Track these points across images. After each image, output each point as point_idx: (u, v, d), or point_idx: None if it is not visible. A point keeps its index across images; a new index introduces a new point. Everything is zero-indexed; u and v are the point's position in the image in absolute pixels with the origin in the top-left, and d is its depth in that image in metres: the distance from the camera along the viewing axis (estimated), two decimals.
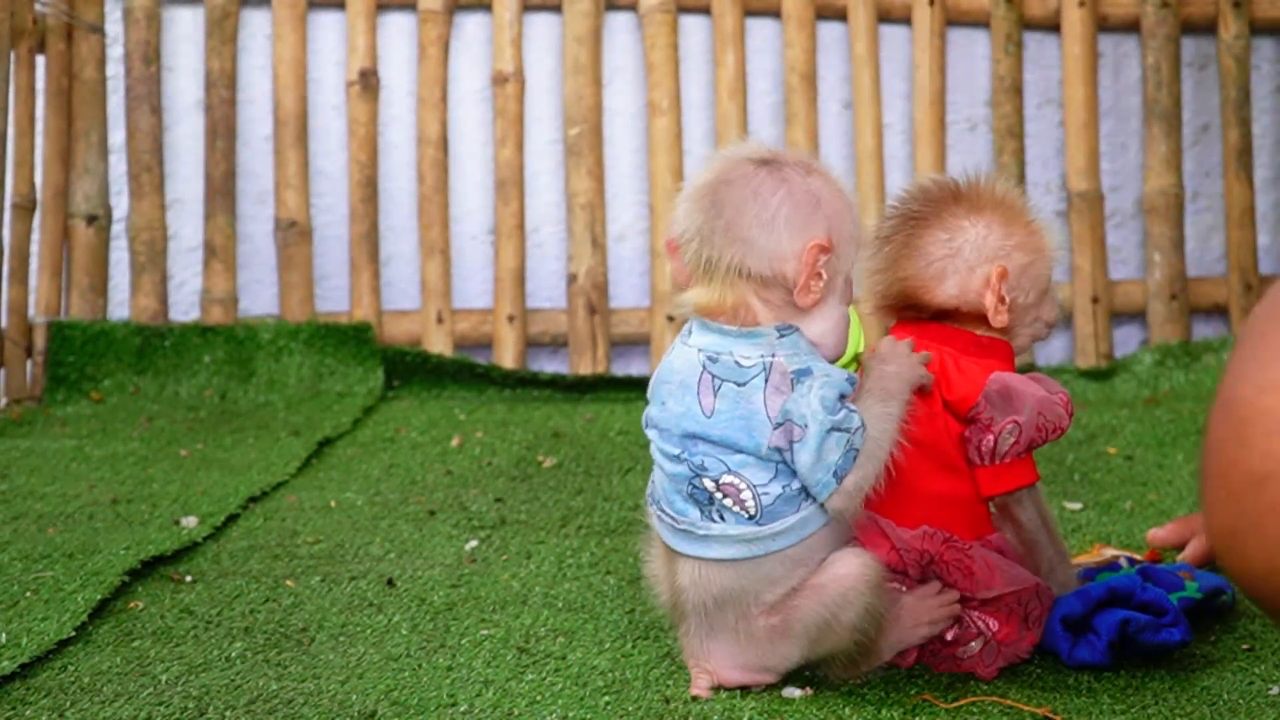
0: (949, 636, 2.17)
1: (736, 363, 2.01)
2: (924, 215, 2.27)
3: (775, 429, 2.00)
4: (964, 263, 2.23)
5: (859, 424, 2.01)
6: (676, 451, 2.04)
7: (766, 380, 2.00)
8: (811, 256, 2.01)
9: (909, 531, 2.14)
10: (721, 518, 2.04)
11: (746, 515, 2.02)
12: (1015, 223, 2.24)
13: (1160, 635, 2.16)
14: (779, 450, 2.01)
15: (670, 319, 4.33)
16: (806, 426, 1.99)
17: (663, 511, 2.08)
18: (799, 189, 2.04)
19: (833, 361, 2.06)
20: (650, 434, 2.09)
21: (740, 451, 2.01)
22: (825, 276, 2.03)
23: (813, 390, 2.00)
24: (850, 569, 2.04)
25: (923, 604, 2.15)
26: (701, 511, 2.04)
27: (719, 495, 2.03)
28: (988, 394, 2.16)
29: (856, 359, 2.12)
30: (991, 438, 2.16)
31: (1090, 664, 2.17)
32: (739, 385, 2.01)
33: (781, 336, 2.02)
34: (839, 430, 2.00)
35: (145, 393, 4.02)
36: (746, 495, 2.02)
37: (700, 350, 2.04)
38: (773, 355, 2.01)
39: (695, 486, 2.04)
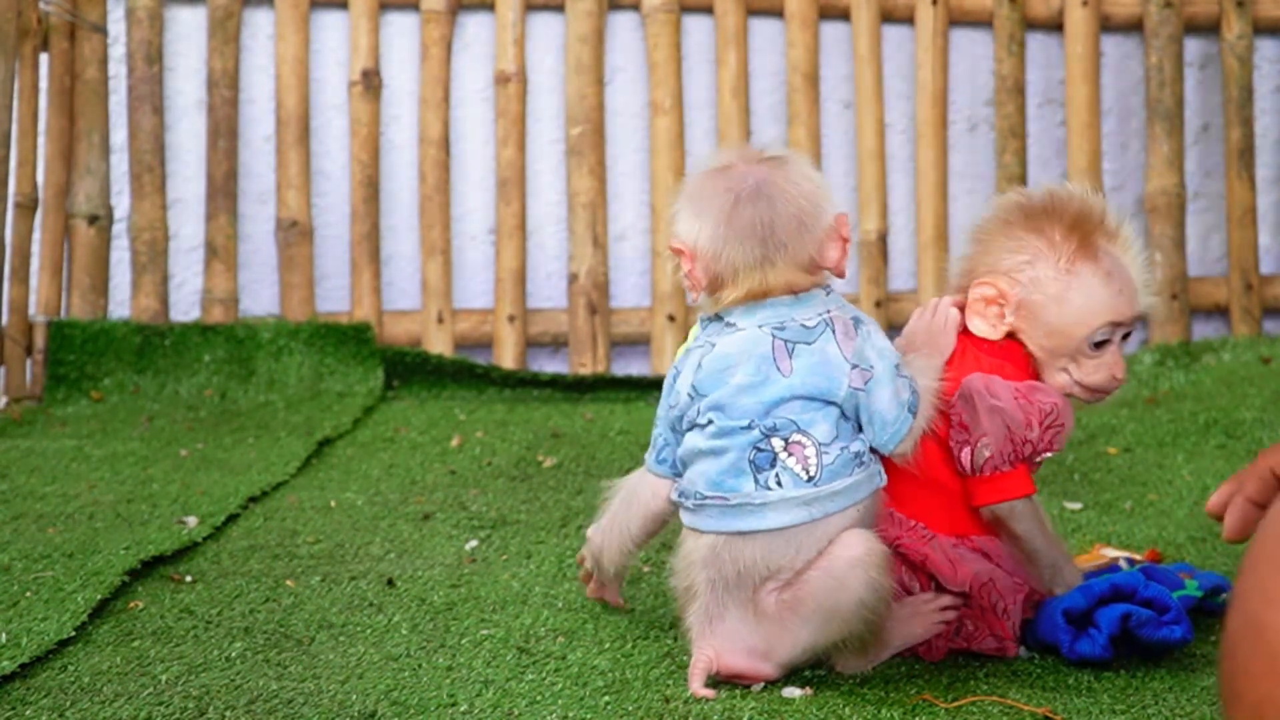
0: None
1: (801, 325, 2.13)
2: (1018, 214, 2.29)
3: (852, 369, 2.12)
4: (986, 265, 2.27)
5: (906, 370, 2.17)
6: (744, 423, 2.10)
7: (834, 331, 2.13)
8: (845, 225, 2.17)
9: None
10: (779, 483, 2.09)
11: (806, 477, 2.09)
12: (1061, 261, 2.25)
13: (1161, 632, 2.16)
14: (856, 393, 2.11)
15: (671, 318, 4.33)
16: (873, 368, 2.12)
17: (705, 498, 2.10)
18: (814, 174, 2.19)
19: None
20: (708, 417, 2.12)
21: (823, 401, 2.10)
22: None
23: (871, 335, 2.15)
24: (857, 544, 2.10)
25: (918, 607, 2.19)
26: (756, 481, 2.09)
27: (784, 455, 2.09)
28: (961, 393, 2.19)
29: None
30: (969, 451, 2.18)
31: (1091, 658, 2.17)
32: (809, 344, 2.12)
33: (828, 295, 2.17)
34: (901, 373, 2.15)
35: (145, 392, 4.02)
36: (810, 453, 2.09)
37: (761, 326, 2.14)
38: (828, 311, 2.15)
39: (760, 450, 2.09)
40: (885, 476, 2.15)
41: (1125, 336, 2.29)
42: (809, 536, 2.09)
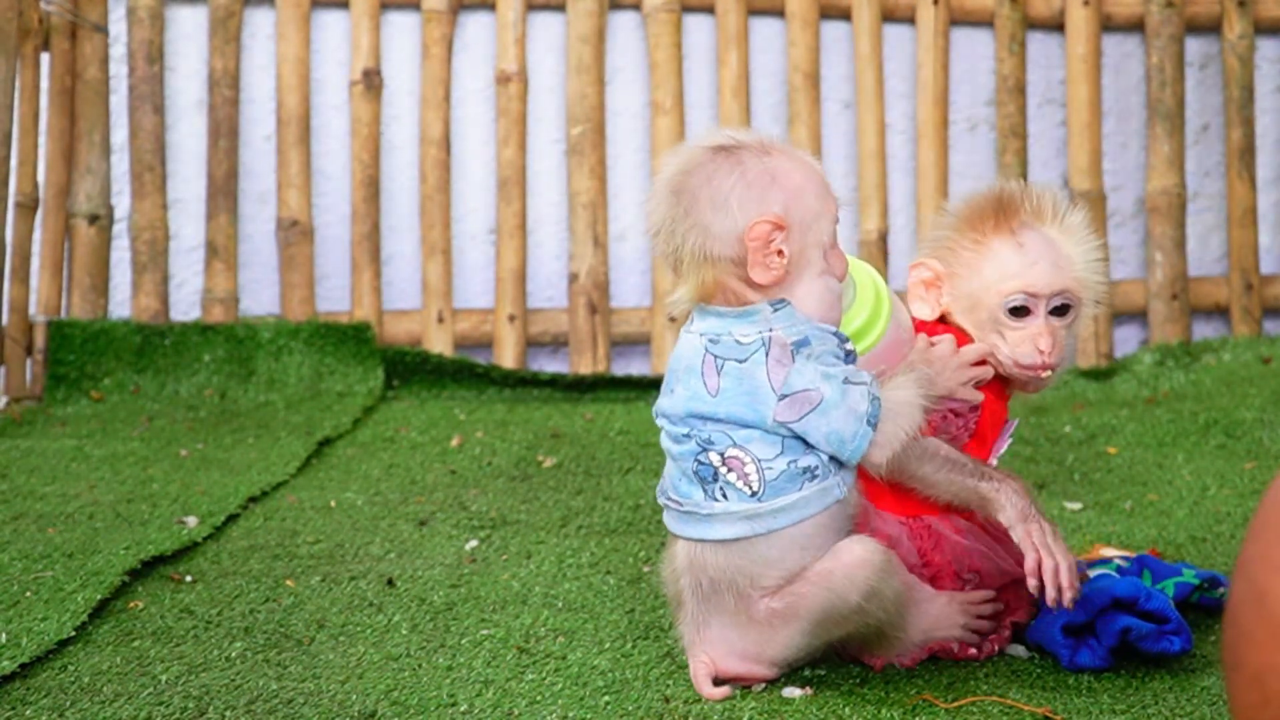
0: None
1: (736, 341, 2.05)
2: (959, 211, 2.36)
3: (780, 400, 2.03)
4: (922, 252, 2.36)
5: (870, 377, 2.06)
6: (685, 431, 2.08)
7: (767, 354, 2.04)
8: (756, 234, 2.04)
9: None
10: (724, 496, 2.06)
11: (749, 491, 2.05)
12: (975, 235, 2.30)
13: (1161, 643, 2.16)
14: (784, 425, 2.03)
15: (672, 319, 4.33)
16: (818, 389, 2.02)
17: (669, 499, 2.11)
18: (753, 170, 2.07)
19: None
20: (660, 423, 2.12)
21: (746, 426, 2.04)
22: (786, 253, 2.05)
23: (811, 358, 2.04)
24: (856, 554, 2.07)
25: (955, 607, 2.19)
26: (705, 491, 2.07)
27: (723, 470, 2.06)
28: None
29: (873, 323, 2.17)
30: None
31: (1091, 668, 2.17)
32: (740, 362, 2.05)
33: (775, 311, 2.06)
34: (854, 383, 2.04)
35: (145, 392, 4.02)
36: (750, 469, 2.05)
37: (702, 335, 2.08)
38: (770, 329, 2.05)
39: (701, 462, 2.07)
40: (846, 488, 2.09)
41: (1059, 313, 2.28)
42: (770, 549, 2.07)
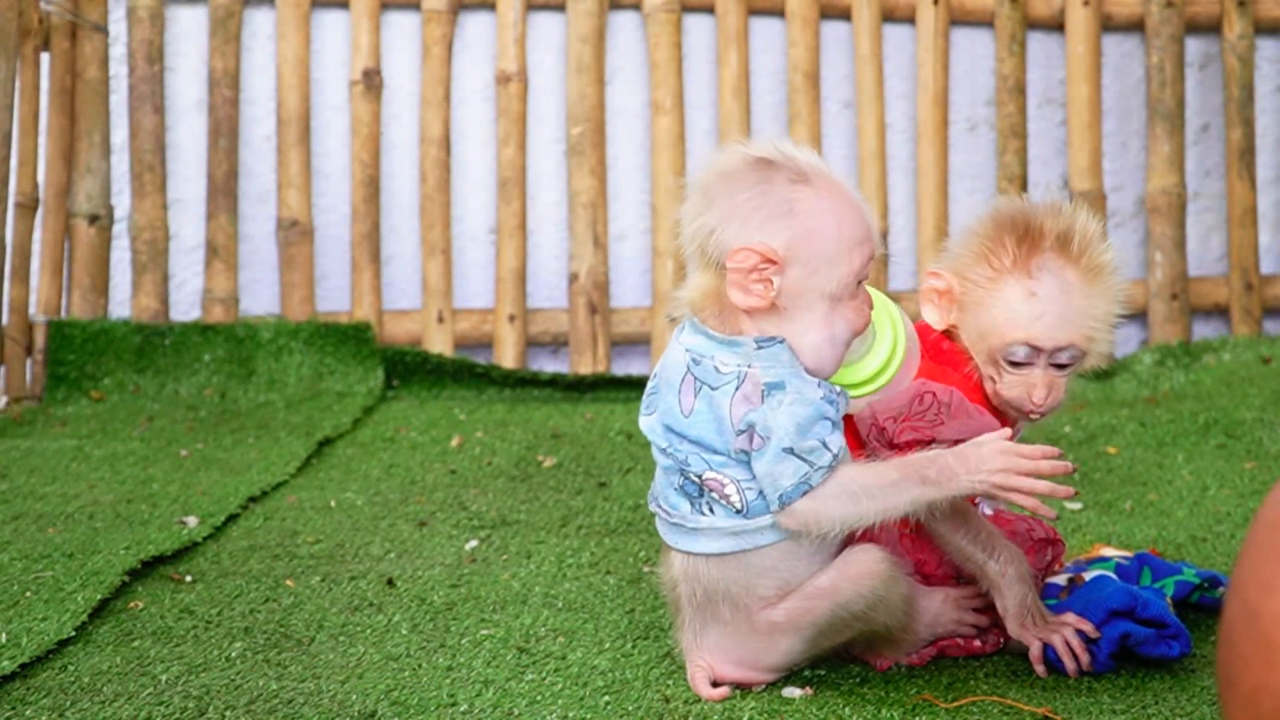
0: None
1: (716, 368, 2.04)
2: (990, 219, 2.30)
3: (738, 435, 2.02)
4: (951, 261, 2.30)
5: (828, 463, 2.01)
6: (664, 445, 2.08)
7: (737, 389, 2.02)
8: (739, 259, 2.00)
9: None
10: (711, 510, 2.06)
11: (735, 509, 2.05)
12: (995, 269, 2.23)
13: (1160, 648, 2.16)
14: (745, 453, 2.02)
15: (671, 319, 4.33)
16: (767, 440, 1.99)
17: (659, 506, 2.11)
18: (776, 194, 2.02)
19: (824, 378, 2.06)
20: (643, 425, 2.12)
21: (716, 452, 2.04)
22: (775, 286, 2.01)
23: (783, 406, 2.00)
24: (863, 565, 2.06)
25: (950, 602, 2.19)
26: (692, 504, 2.07)
27: (706, 489, 2.05)
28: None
29: (887, 364, 2.12)
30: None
31: (1091, 674, 2.17)
32: (713, 389, 2.03)
33: (760, 348, 2.03)
34: (799, 457, 2.00)
35: (145, 392, 4.02)
36: (731, 490, 2.04)
37: (687, 350, 2.07)
38: (749, 366, 2.02)
39: (685, 479, 2.07)
40: None
41: (1062, 367, 2.23)
42: (765, 559, 2.06)
